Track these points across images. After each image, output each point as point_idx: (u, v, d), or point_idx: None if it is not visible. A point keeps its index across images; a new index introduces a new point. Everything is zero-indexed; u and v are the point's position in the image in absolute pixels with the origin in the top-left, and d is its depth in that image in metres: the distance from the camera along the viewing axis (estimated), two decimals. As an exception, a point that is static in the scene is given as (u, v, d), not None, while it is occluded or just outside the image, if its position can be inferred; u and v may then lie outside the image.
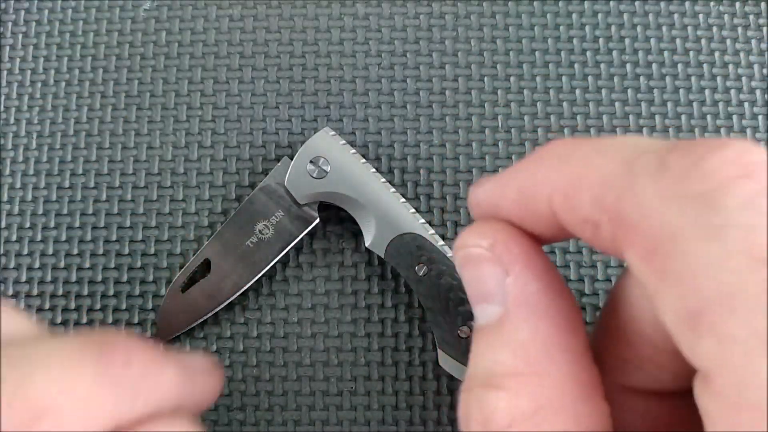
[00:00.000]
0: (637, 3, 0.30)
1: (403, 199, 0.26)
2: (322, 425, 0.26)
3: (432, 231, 0.25)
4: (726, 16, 0.30)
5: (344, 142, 0.26)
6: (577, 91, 0.29)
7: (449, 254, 0.25)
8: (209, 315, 0.26)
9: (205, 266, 0.26)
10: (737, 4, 0.30)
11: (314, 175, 0.25)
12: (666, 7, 0.30)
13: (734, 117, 0.29)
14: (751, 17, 0.30)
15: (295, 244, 0.26)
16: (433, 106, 0.29)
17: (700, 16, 0.30)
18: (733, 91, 0.29)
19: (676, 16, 0.30)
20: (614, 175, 0.14)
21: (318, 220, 0.26)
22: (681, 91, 0.29)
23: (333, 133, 0.26)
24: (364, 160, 0.26)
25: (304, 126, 0.29)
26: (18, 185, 0.28)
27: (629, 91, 0.29)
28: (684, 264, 0.13)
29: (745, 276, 0.12)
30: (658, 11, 0.30)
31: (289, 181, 0.26)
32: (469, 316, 0.24)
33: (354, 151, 0.26)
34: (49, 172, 0.28)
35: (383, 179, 0.26)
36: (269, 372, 0.26)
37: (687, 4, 0.30)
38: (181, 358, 0.19)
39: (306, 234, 0.26)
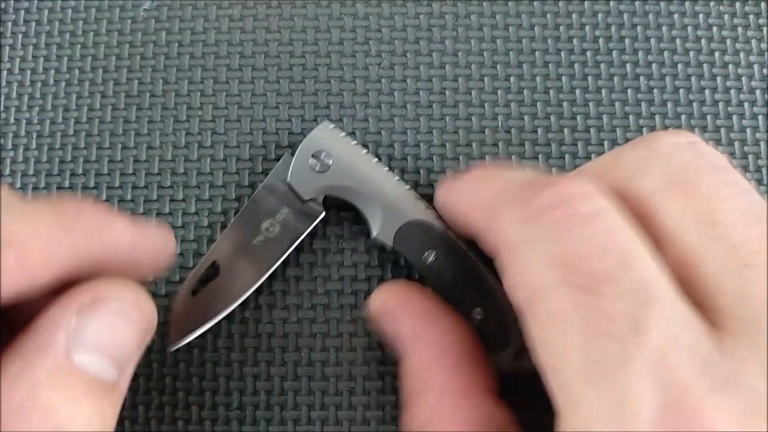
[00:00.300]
0: (637, 3, 0.30)
1: (408, 186, 0.26)
2: (322, 425, 0.26)
3: (437, 214, 0.25)
4: (726, 16, 0.30)
5: (345, 134, 0.26)
6: (577, 91, 0.29)
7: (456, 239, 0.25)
8: (222, 316, 0.26)
9: (214, 269, 0.26)
10: (737, 4, 0.30)
11: (317, 169, 0.26)
12: (666, 7, 0.30)
13: (734, 117, 0.29)
14: (751, 17, 0.30)
15: (301, 241, 0.26)
16: (433, 106, 0.29)
17: (700, 16, 0.30)
18: (733, 91, 0.29)
19: (676, 16, 0.30)
20: (493, 201, 0.20)
21: (324, 214, 0.26)
22: (681, 91, 0.29)
23: (333, 125, 0.26)
24: (365, 151, 0.26)
25: (304, 126, 0.29)
26: (18, 185, 0.28)
27: (629, 91, 0.29)
28: (519, 265, 0.18)
29: (548, 274, 0.17)
30: (658, 11, 0.30)
31: (292, 177, 0.26)
32: (480, 300, 0.24)
33: (355, 142, 0.26)
34: (49, 172, 0.28)
35: (386, 168, 0.26)
36: (269, 371, 0.26)
37: (687, 4, 0.30)
38: (133, 217, 0.21)
39: (313, 228, 0.26)
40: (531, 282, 0.18)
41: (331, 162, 0.26)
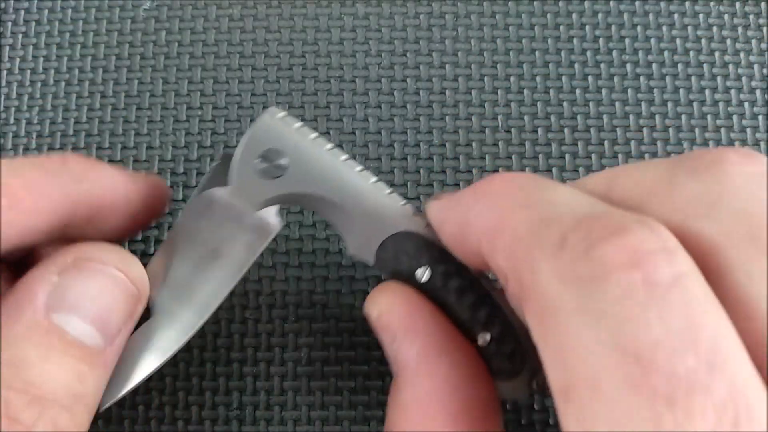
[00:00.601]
0: (637, 3, 0.30)
1: (389, 189, 0.20)
2: (322, 425, 0.26)
3: (427, 221, 0.20)
4: (726, 16, 0.30)
5: (301, 123, 0.20)
6: (577, 91, 0.29)
7: None
8: (156, 369, 0.20)
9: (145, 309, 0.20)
10: (737, 4, 0.30)
11: (268, 174, 0.19)
12: (666, 7, 0.30)
13: (734, 117, 0.29)
14: (751, 17, 0.30)
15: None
16: (433, 105, 0.29)
17: (700, 16, 0.30)
18: (733, 91, 0.29)
19: (676, 16, 0.30)
20: (524, 238, 0.15)
21: (281, 226, 0.20)
22: (681, 90, 0.29)
23: (283, 113, 0.19)
24: (330, 145, 0.20)
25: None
26: (17, 185, 0.28)
27: (629, 90, 0.29)
28: (562, 341, 0.13)
29: (609, 366, 0.13)
30: (658, 11, 0.30)
31: (234, 189, 0.19)
32: (486, 322, 0.19)
33: (316, 134, 0.20)
34: (49, 172, 0.28)
35: (359, 166, 0.20)
36: (269, 371, 0.26)
37: (687, 4, 0.30)
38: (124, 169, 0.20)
39: (269, 244, 0.20)
40: (582, 372, 0.13)
41: (286, 163, 0.19)
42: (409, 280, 0.20)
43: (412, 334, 0.19)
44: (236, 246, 0.20)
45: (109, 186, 0.19)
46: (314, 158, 0.19)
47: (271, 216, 0.20)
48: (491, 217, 0.16)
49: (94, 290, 0.18)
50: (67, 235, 0.19)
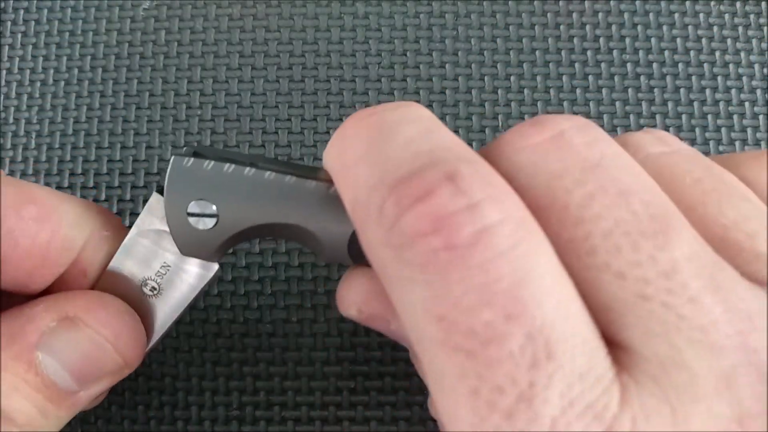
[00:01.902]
0: (637, 2, 0.30)
1: (332, 184, 0.18)
2: (322, 424, 0.26)
3: None
4: (726, 16, 0.30)
5: (212, 161, 0.18)
6: (578, 91, 0.29)
7: None
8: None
9: None
10: (738, 4, 0.30)
11: (203, 227, 0.18)
12: (666, 7, 0.30)
13: (735, 116, 0.29)
14: (752, 17, 0.30)
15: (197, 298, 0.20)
16: (433, 105, 0.29)
17: (701, 15, 0.30)
18: (733, 91, 0.29)
19: (676, 15, 0.30)
20: (358, 200, 0.15)
21: (219, 268, 0.20)
22: (681, 90, 0.29)
23: (189, 160, 0.18)
24: (249, 170, 0.18)
25: (304, 125, 0.29)
26: (17, 185, 0.28)
27: (630, 90, 0.29)
28: (395, 303, 0.14)
29: (424, 328, 0.13)
30: (659, 11, 0.30)
31: (184, 250, 0.19)
32: None
33: (230, 166, 0.18)
34: (48, 172, 0.28)
35: (289, 177, 0.18)
36: (269, 371, 0.26)
37: (687, 3, 0.30)
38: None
39: (207, 285, 0.20)
40: (412, 333, 0.14)
41: (215, 210, 0.18)
42: None
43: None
44: (175, 287, 0.20)
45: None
46: (239, 192, 0.18)
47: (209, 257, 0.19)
48: (338, 170, 0.16)
49: (80, 349, 0.18)
50: None
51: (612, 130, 0.29)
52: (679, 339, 0.13)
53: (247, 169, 0.18)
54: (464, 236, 0.13)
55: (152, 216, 0.19)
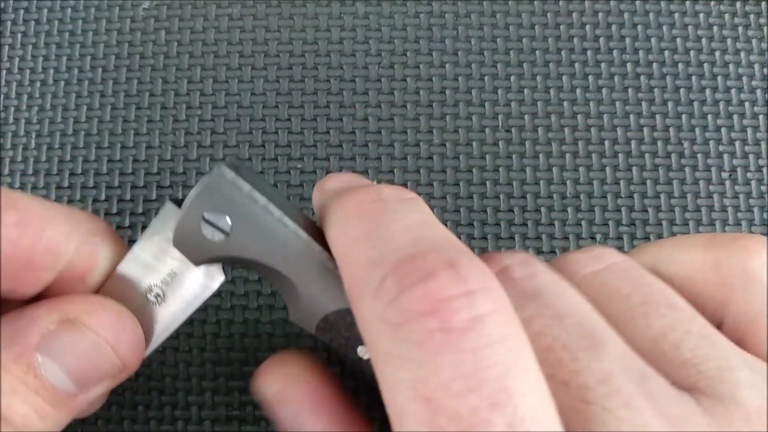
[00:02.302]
0: (637, 2, 0.30)
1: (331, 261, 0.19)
2: (322, 425, 0.26)
3: None
4: (726, 16, 0.30)
5: (250, 186, 0.18)
6: (578, 91, 0.29)
7: None
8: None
9: None
10: (738, 4, 0.30)
11: (210, 237, 0.19)
12: (666, 7, 0.30)
13: (735, 117, 0.29)
14: (752, 17, 0.30)
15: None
16: (433, 105, 0.29)
17: (701, 15, 0.30)
18: (733, 91, 0.29)
19: (676, 15, 0.30)
20: (357, 277, 0.16)
21: (224, 279, 0.20)
22: (681, 90, 0.29)
23: (233, 174, 0.18)
24: (278, 212, 0.18)
25: (304, 125, 0.29)
26: (17, 185, 0.28)
27: (629, 90, 0.29)
28: (380, 378, 0.15)
29: (409, 407, 0.14)
30: (659, 10, 0.30)
31: (177, 243, 0.19)
32: None
33: (265, 200, 0.18)
34: (48, 172, 0.28)
35: (305, 234, 0.19)
36: (269, 372, 0.26)
37: (687, 3, 0.30)
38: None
39: (212, 295, 0.20)
40: (396, 413, 0.14)
41: (229, 228, 0.18)
42: (348, 355, 0.19)
43: (317, 407, 0.19)
44: (179, 295, 0.20)
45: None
46: (258, 226, 0.19)
47: (216, 270, 0.20)
48: (340, 248, 0.17)
49: (80, 351, 0.18)
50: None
51: (612, 130, 0.29)
52: None
53: (277, 212, 0.18)
54: (460, 320, 0.14)
55: (164, 225, 0.19)
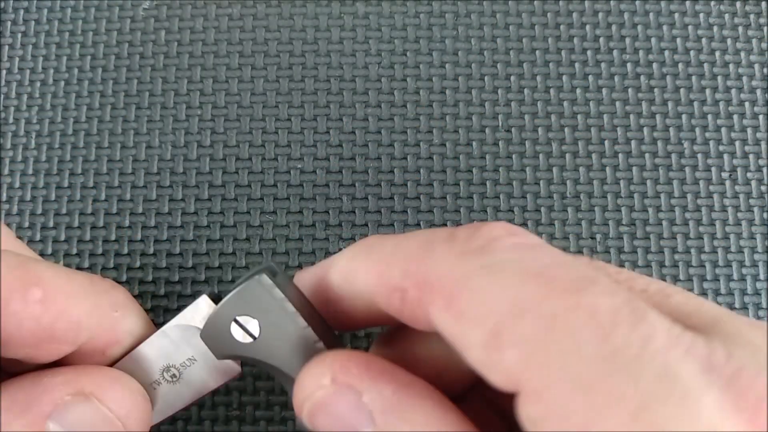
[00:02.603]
0: (637, 2, 0.30)
1: None
2: (322, 425, 0.26)
3: None
4: (726, 16, 0.30)
5: (283, 296, 0.20)
6: (578, 91, 0.29)
7: None
8: None
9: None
10: (738, 4, 0.30)
11: (238, 337, 0.20)
12: (666, 7, 0.30)
13: (735, 116, 0.29)
14: (752, 16, 0.30)
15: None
16: (433, 105, 0.29)
17: (701, 15, 0.30)
18: (733, 91, 0.29)
19: (676, 15, 0.30)
20: (416, 249, 0.17)
21: (239, 372, 0.21)
22: (681, 90, 0.29)
23: (271, 283, 0.20)
24: (304, 324, 0.20)
25: (304, 125, 0.29)
26: (17, 185, 0.28)
27: (629, 90, 0.29)
28: (475, 299, 0.15)
29: (522, 288, 0.15)
30: (659, 10, 0.30)
31: (204, 336, 0.20)
32: None
33: (294, 310, 0.20)
34: (48, 172, 0.28)
35: (323, 346, 0.20)
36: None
37: (687, 3, 0.30)
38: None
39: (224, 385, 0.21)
40: (505, 306, 0.15)
41: (257, 333, 0.20)
42: None
43: (380, 376, 0.17)
44: (195, 376, 0.21)
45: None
46: (285, 337, 0.20)
47: (234, 364, 0.21)
48: (377, 256, 0.18)
49: (91, 424, 0.19)
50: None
51: (612, 130, 0.29)
52: None
53: (305, 327, 0.19)
54: (533, 238, 0.17)
55: (194, 315, 0.20)
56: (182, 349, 0.21)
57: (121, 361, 0.21)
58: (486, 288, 0.15)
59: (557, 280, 0.15)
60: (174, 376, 0.21)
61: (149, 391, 0.21)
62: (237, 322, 0.20)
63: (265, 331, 0.20)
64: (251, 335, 0.20)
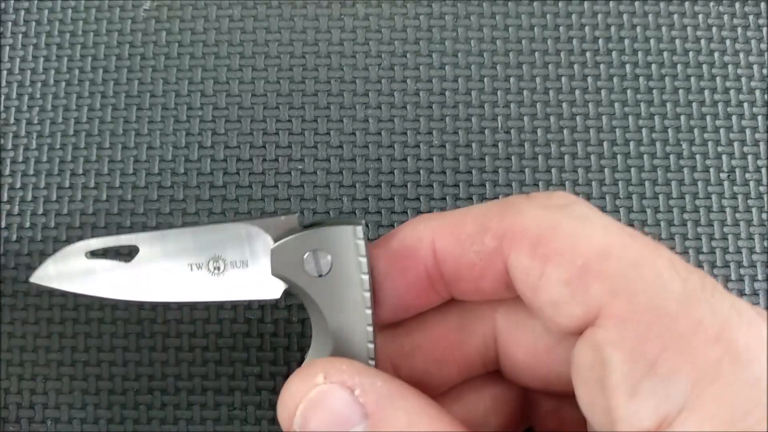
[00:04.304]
0: (636, 3, 0.30)
1: (372, 359, 0.20)
2: (323, 425, 0.26)
3: None
4: (726, 17, 0.30)
5: (366, 255, 0.20)
6: (577, 92, 0.29)
7: None
8: (88, 293, 0.20)
9: (129, 251, 0.20)
10: (737, 5, 0.30)
11: (306, 267, 0.20)
12: (666, 8, 0.30)
13: (734, 117, 0.29)
14: (751, 17, 0.30)
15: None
16: (433, 106, 0.29)
17: (700, 16, 0.30)
18: (732, 92, 0.29)
19: (675, 16, 0.30)
20: (491, 208, 0.19)
21: (277, 298, 0.21)
22: (680, 91, 0.29)
23: (363, 240, 0.20)
24: (368, 288, 0.20)
25: (305, 126, 0.29)
26: (18, 185, 0.28)
27: (629, 91, 0.29)
28: (565, 242, 0.18)
29: (607, 236, 0.17)
30: (658, 12, 0.30)
31: (275, 251, 0.20)
32: None
33: (367, 276, 0.20)
34: (49, 172, 0.28)
35: (370, 323, 0.20)
36: (269, 370, 0.27)
37: (687, 4, 0.30)
38: None
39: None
40: (593, 248, 0.18)
41: (326, 272, 0.20)
42: None
43: (369, 371, 0.18)
44: (237, 278, 0.20)
45: None
46: (347, 290, 0.20)
47: (280, 285, 0.20)
48: (446, 219, 0.20)
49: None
50: None
51: (611, 131, 0.29)
52: None
53: (368, 291, 0.20)
54: (584, 205, 0.20)
55: (276, 229, 0.20)
56: (241, 248, 0.20)
57: (179, 228, 0.20)
58: (574, 233, 0.18)
59: (638, 235, 0.18)
60: (218, 268, 0.20)
61: (189, 271, 0.20)
62: (315, 254, 0.20)
63: (333, 274, 0.20)
64: (319, 272, 0.20)
